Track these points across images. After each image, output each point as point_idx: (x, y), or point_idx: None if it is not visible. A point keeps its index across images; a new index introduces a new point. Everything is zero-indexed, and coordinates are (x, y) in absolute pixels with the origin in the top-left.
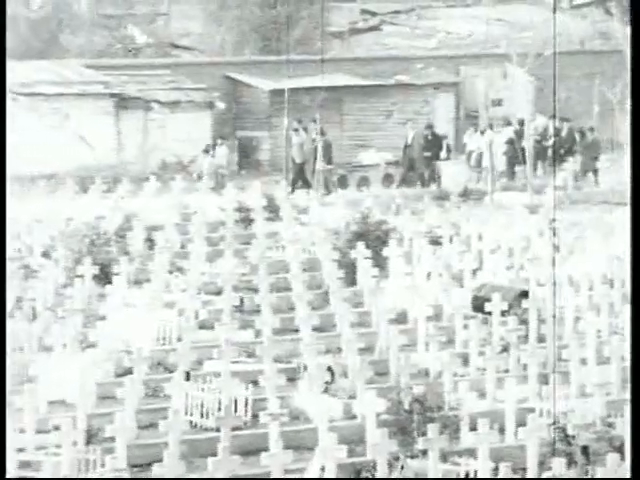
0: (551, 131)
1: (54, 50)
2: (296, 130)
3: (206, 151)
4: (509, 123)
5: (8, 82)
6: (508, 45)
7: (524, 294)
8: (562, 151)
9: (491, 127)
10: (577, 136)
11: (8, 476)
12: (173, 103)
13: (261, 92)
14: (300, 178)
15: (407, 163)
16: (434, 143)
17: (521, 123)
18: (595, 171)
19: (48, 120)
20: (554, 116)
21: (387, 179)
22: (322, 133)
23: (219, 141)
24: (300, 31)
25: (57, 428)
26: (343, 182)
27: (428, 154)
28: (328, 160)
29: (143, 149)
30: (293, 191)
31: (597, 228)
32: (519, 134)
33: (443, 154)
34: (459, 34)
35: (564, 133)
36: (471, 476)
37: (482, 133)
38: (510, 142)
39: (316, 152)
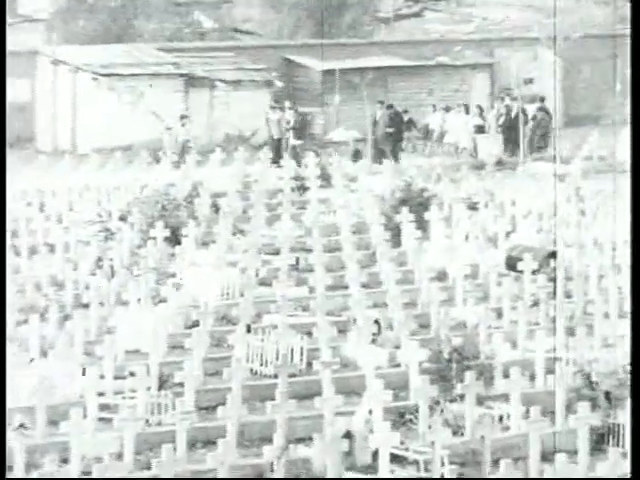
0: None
1: (130, 35)
2: (273, 108)
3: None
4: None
5: (91, 64)
6: (538, 29)
7: (553, 254)
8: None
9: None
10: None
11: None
12: (236, 82)
13: (314, 72)
14: (277, 152)
15: (373, 140)
16: (396, 120)
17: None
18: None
19: (125, 98)
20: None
21: (356, 155)
22: (296, 111)
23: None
24: (350, 16)
25: (133, 374)
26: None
27: (390, 130)
28: (300, 136)
29: (209, 123)
30: (275, 162)
31: (618, 195)
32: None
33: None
34: (494, 19)
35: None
36: (504, 418)
37: (447, 111)
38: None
39: (295, 128)
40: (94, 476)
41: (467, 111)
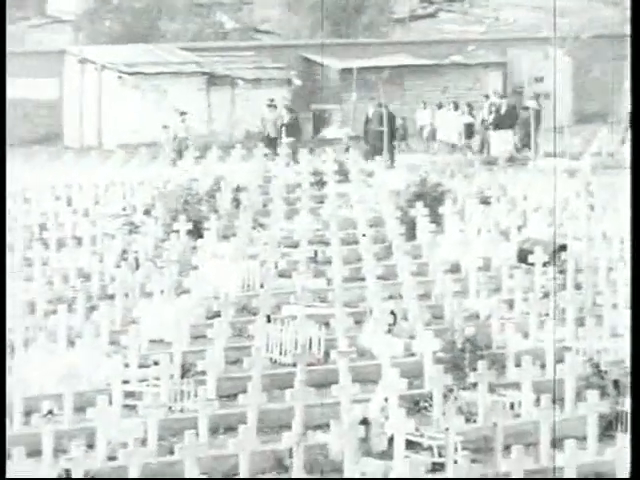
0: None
1: (154, 35)
2: (269, 107)
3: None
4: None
5: (117, 63)
6: (549, 29)
7: (563, 247)
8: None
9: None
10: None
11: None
12: (256, 80)
13: (333, 70)
14: (273, 149)
15: (366, 137)
16: (388, 119)
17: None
18: (623, 140)
19: (149, 96)
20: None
21: (348, 151)
22: (289, 110)
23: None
24: (367, 17)
25: (156, 363)
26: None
27: (381, 129)
28: (292, 134)
29: (230, 120)
30: (271, 160)
31: (627, 190)
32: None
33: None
34: (506, 20)
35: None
36: (515, 406)
37: (439, 107)
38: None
39: (287, 126)
40: (120, 461)
41: (456, 108)
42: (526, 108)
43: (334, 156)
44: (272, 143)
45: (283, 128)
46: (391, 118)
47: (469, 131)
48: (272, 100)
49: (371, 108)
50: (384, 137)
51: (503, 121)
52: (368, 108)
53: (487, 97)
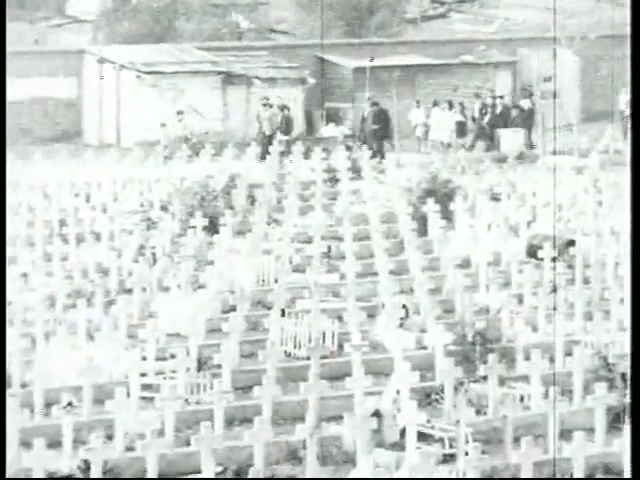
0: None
1: (171, 35)
2: (265, 106)
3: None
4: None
5: (135, 62)
6: (557, 30)
7: (571, 243)
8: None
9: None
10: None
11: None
12: (271, 79)
13: (346, 70)
14: (266, 148)
15: (362, 136)
16: (382, 118)
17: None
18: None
19: (166, 94)
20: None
21: (345, 150)
22: (282, 109)
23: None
24: (379, 18)
25: (173, 356)
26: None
27: (376, 127)
28: (286, 132)
29: (245, 119)
30: (264, 158)
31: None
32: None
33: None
34: (515, 20)
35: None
36: (525, 398)
37: (435, 105)
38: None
39: (281, 124)
40: (137, 452)
41: (450, 107)
42: (517, 107)
43: (347, 152)
44: (266, 142)
45: (277, 126)
46: (384, 117)
47: (461, 130)
48: (267, 99)
49: (366, 107)
50: (378, 135)
51: (498, 121)
52: (364, 107)
53: (478, 96)
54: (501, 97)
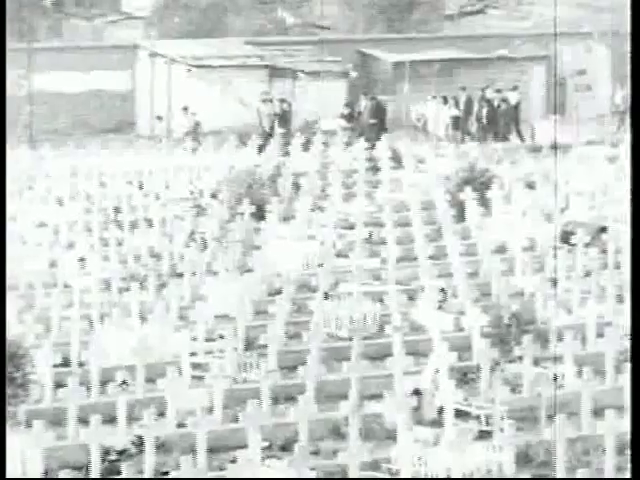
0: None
1: (220, 30)
2: (264, 101)
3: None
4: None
5: (185, 56)
6: (591, 25)
7: (603, 229)
8: None
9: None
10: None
11: None
12: (315, 73)
13: (386, 63)
14: (265, 141)
15: (359, 129)
16: (379, 111)
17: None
18: None
19: (215, 87)
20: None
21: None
22: (282, 102)
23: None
24: (419, 14)
25: (222, 337)
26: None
27: (373, 121)
28: (285, 126)
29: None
30: (261, 152)
31: None
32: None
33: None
34: (550, 16)
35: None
36: (558, 378)
37: (440, 99)
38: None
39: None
40: (188, 429)
41: (445, 102)
42: (505, 100)
43: (388, 142)
44: (265, 135)
45: (276, 120)
46: (381, 110)
47: (456, 123)
48: (267, 93)
49: (364, 101)
50: (375, 128)
51: (494, 116)
52: (361, 100)
53: (463, 89)
54: (499, 91)
